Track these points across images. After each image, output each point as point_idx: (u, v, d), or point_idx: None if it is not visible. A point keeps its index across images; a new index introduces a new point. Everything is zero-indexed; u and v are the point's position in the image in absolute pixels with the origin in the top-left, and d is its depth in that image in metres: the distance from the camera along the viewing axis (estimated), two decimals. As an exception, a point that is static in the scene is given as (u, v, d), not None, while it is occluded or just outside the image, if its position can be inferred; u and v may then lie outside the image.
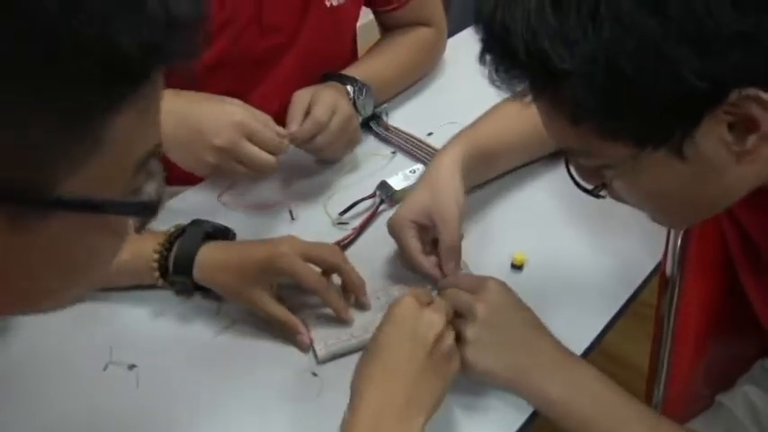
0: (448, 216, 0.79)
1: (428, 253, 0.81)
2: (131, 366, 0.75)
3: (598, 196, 0.63)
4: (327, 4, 1.00)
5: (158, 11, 0.35)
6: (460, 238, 0.81)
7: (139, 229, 0.43)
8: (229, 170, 0.83)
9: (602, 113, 0.53)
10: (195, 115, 0.82)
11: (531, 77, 0.55)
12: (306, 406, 0.71)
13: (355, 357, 0.72)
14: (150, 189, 0.40)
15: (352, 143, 0.96)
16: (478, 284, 0.73)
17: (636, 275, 0.83)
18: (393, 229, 0.82)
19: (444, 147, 0.87)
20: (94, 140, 0.36)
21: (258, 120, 0.83)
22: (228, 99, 0.85)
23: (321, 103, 0.89)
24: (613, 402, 0.68)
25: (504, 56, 0.54)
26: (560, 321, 0.72)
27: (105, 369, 0.75)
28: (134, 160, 0.39)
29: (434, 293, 0.74)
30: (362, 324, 0.77)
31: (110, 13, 0.33)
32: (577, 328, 0.75)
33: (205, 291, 0.80)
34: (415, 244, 0.80)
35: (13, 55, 0.32)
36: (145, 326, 0.79)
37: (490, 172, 0.93)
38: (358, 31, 1.14)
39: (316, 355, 0.75)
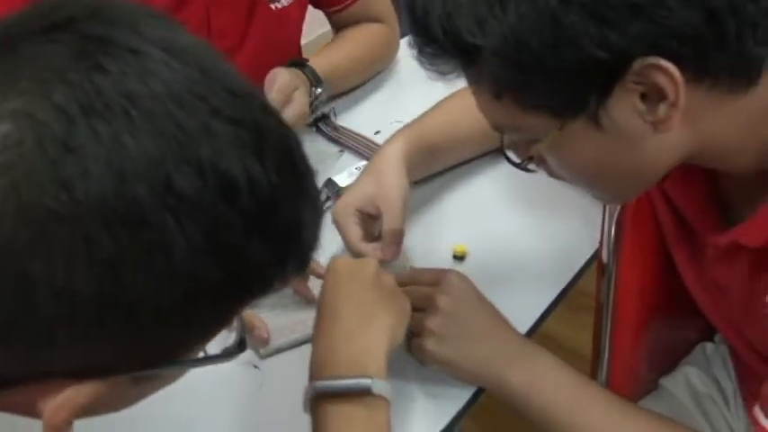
0: (392, 202, 0.80)
1: (371, 241, 0.82)
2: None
3: (527, 170, 0.65)
4: (273, 6, 1.01)
5: (301, 257, 0.43)
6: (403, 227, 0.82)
7: None
8: None
9: (518, 87, 0.56)
10: None
11: (451, 56, 0.57)
12: (247, 398, 0.72)
13: (296, 351, 0.73)
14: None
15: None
16: (439, 277, 0.74)
17: (575, 262, 0.85)
18: (336, 216, 0.83)
19: (388, 140, 0.88)
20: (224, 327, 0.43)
21: None
22: None
23: (299, 107, 0.92)
24: (571, 387, 0.70)
25: (425, 37, 0.57)
26: (501, 308, 0.74)
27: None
28: None
29: None
30: (303, 319, 0.77)
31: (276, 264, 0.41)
32: (517, 314, 0.77)
33: None
34: (356, 231, 0.81)
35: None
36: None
37: (435, 165, 0.95)
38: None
39: (257, 350, 0.75)
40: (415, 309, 0.72)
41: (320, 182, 0.94)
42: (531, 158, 0.65)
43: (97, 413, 0.43)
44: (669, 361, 0.89)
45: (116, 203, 0.34)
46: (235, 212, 0.37)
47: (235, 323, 0.47)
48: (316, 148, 1.02)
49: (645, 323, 0.84)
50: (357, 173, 0.94)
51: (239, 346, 0.47)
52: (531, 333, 0.78)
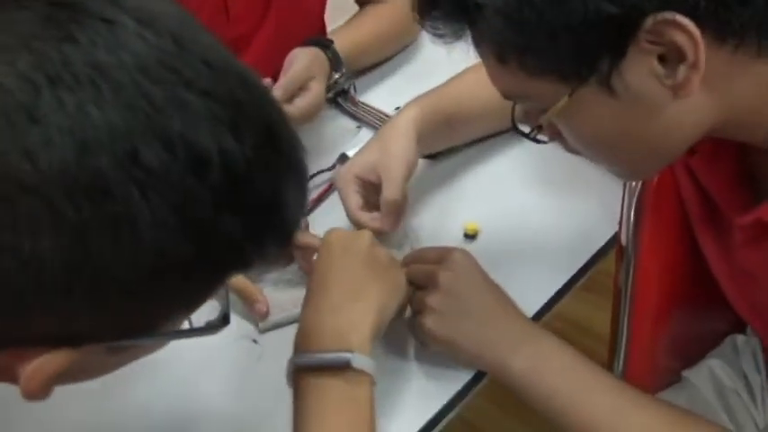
0: (393, 172, 0.78)
1: (373, 210, 0.80)
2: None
3: (536, 140, 0.62)
4: None
5: (282, 234, 0.42)
6: (405, 197, 0.79)
7: None
8: None
9: (522, 49, 0.53)
10: None
11: (453, 18, 0.54)
12: (245, 371, 0.71)
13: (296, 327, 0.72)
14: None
15: (311, 112, 0.94)
16: (443, 255, 0.71)
17: (592, 244, 0.81)
18: (337, 183, 0.81)
19: (404, 107, 0.85)
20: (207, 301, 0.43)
21: None
22: None
23: (313, 97, 0.90)
24: (577, 373, 0.66)
25: None
26: (512, 287, 0.71)
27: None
28: None
29: None
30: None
31: (262, 244, 0.41)
32: (528, 295, 0.74)
33: None
34: (355, 199, 0.79)
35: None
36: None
37: (451, 137, 0.91)
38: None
39: (257, 324, 0.74)
40: (419, 287, 0.70)
41: (335, 156, 0.93)
42: (540, 128, 0.61)
43: (75, 380, 0.44)
44: (694, 352, 0.84)
45: (79, 174, 0.34)
46: (204, 187, 0.36)
47: (219, 296, 0.46)
48: (334, 124, 1.00)
49: (666, 311, 0.79)
50: (372, 148, 0.93)
51: (222, 321, 0.47)
52: (541, 315, 0.75)
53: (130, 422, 0.68)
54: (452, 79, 0.89)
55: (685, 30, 0.48)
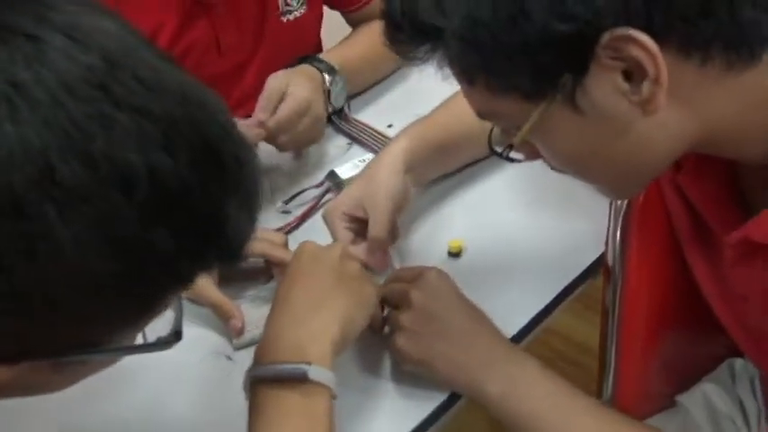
0: (378, 209, 0.77)
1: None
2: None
3: (509, 159, 0.61)
4: (284, 20, 0.99)
5: (226, 250, 0.41)
6: (396, 233, 0.78)
7: None
8: None
9: (483, 69, 0.52)
10: None
11: (416, 39, 0.54)
12: (218, 387, 0.70)
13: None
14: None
15: (314, 141, 0.95)
16: (416, 274, 0.71)
17: (578, 263, 0.79)
18: (325, 218, 0.81)
19: (393, 138, 0.85)
20: (154, 317, 0.43)
21: None
22: None
23: (293, 100, 0.87)
24: (557, 397, 0.64)
25: (390, 21, 0.54)
26: (496, 305, 0.70)
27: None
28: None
29: None
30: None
31: (200, 256, 0.40)
32: (510, 315, 0.72)
33: None
34: (344, 234, 0.78)
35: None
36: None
37: (445, 164, 0.90)
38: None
39: (230, 340, 0.74)
40: (395, 307, 0.69)
41: (323, 173, 0.92)
42: (511, 147, 0.60)
43: (22, 395, 0.43)
44: (688, 377, 0.81)
45: None
46: (131, 204, 0.36)
47: (176, 309, 0.46)
48: (326, 142, 0.99)
49: (657, 333, 0.77)
50: (361, 165, 0.92)
51: (174, 336, 0.46)
52: (524, 335, 0.73)
53: (102, 437, 0.67)
54: (440, 106, 0.88)
55: (642, 45, 0.47)
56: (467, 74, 0.54)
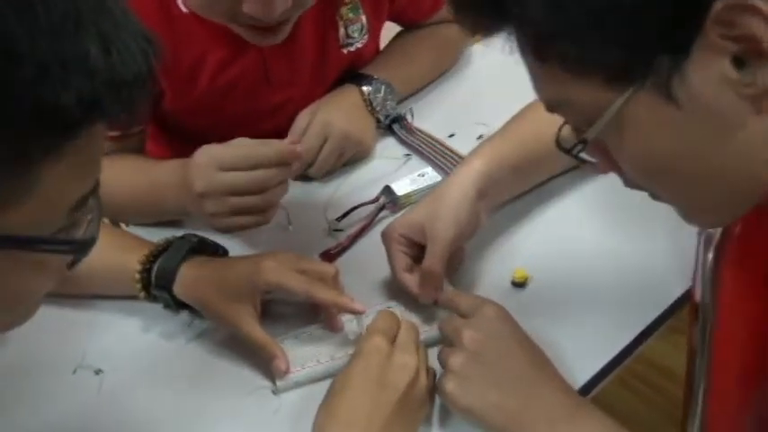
0: (438, 239, 0.70)
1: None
2: (98, 371, 0.73)
3: (578, 158, 0.52)
4: (345, 51, 0.94)
5: (101, 67, 0.36)
6: (459, 259, 0.72)
7: (71, 265, 0.45)
8: (230, 221, 0.73)
9: (561, 37, 0.44)
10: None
11: (485, 7, 0.46)
12: (262, 423, 0.66)
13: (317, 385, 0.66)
14: (85, 227, 0.42)
15: (360, 155, 0.91)
16: (474, 307, 0.63)
17: (663, 297, 0.69)
18: (383, 240, 0.75)
19: (465, 159, 0.77)
20: (28, 185, 0.37)
21: (231, 143, 0.73)
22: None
23: (309, 136, 0.86)
24: None
25: None
26: (564, 346, 0.63)
27: (74, 373, 0.73)
28: (68, 203, 0.41)
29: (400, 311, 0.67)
30: (329, 351, 0.69)
31: (47, 66, 0.35)
32: (580, 359, 0.64)
33: (193, 309, 0.74)
34: (400, 259, 0.72)
35: None
36: (119, 333, 0.76)
37: (520, 184, 0.82)
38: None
39: (274, 382, 0.68)
40: (448, 343, 0.62)
41: (378, 188, 0.86)
42: (584, 143, 0.50)
43: None
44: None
45: None
46: None
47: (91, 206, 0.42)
48: (384, 153, 0.94)
49: (752, 387, 0.66)
50: (420, 180, 0.86)
51: (90, 241, 0.43)
52: (596, 383, 0.65)
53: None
54: (510, 122, 0.80)
55: (762, 13, 0.38)
56: (540, 47, 0.46)
